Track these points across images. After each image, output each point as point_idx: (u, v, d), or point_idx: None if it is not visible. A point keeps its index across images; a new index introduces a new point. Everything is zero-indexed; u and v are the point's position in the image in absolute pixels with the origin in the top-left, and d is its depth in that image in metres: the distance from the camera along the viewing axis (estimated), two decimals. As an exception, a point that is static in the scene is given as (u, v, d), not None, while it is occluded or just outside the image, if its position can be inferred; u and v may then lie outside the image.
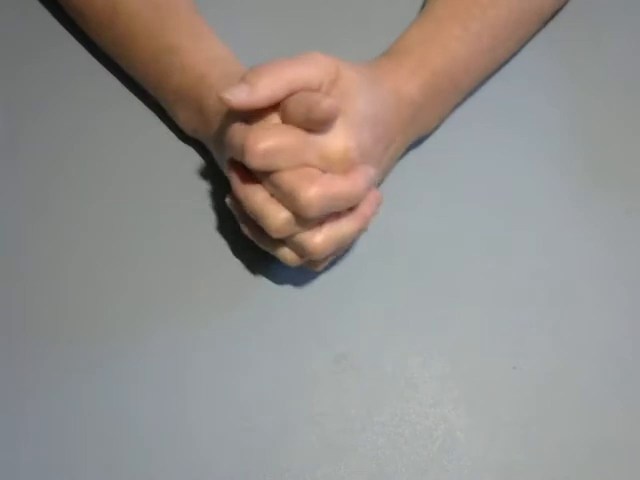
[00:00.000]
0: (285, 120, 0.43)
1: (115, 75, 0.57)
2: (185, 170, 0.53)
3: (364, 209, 0.45)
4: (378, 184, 0.51)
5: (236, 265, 0.49)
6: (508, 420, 0.46)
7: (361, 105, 0.44)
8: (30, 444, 0.45)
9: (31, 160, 0.54)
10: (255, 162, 0.42)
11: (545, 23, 0.59)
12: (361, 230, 0.46)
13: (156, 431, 0.45)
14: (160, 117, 0.55)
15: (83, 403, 0.46)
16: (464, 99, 0.55)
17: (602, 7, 0.60)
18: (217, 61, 0.50)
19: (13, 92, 0.56)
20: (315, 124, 0.42)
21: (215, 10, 0.58)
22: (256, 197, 0.44)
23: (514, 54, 0.57)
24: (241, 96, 0.42)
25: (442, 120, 0.54)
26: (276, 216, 0.43)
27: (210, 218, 0.52)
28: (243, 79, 0.42)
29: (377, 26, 0.59)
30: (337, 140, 0.43)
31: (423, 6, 0.57)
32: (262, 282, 0.49)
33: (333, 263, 0.49)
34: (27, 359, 0.47)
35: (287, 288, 0.49)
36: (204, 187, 0.53)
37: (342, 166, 0.43)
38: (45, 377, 0.47)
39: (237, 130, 0.43)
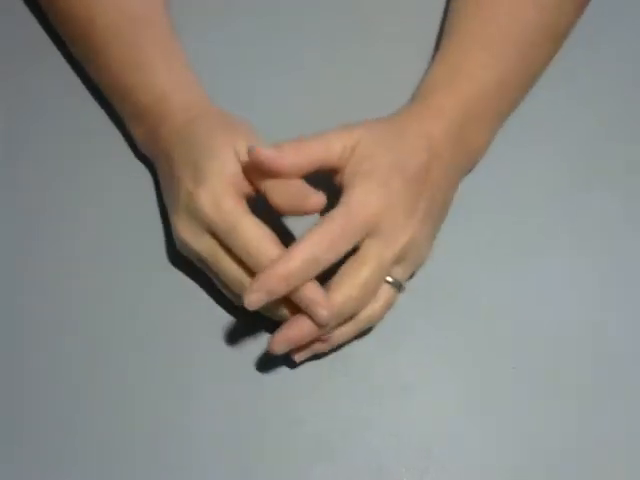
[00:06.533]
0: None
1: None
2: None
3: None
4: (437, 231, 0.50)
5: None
6: (508, 420, 0.46)
7: (383, 159, 0.45)
8: (30, 444, 0.45)
9: (31, 162, 0.54)
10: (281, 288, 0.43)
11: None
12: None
13: (156, 431, 0.46)
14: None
15: (83, 403, 0.46)
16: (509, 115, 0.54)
17: (605, 11, 0.60)
18: (182, 85, 0.51)
19: (13, 94, 0.56)
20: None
21: (211, 11, 0.58)
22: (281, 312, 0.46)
23: (548, 63, 0.56)
24: (270, 154, 0.43)
25: (489, 145, 0.53)
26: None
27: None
28: (274, 145, 0.44)
29: (377, 27, 0.59)
30: (359, 204, 0.44)
31: (445, 9, 0.57)
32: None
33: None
34: (26, 359, 0.48)
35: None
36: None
37: (367, 228, 0.44)
38: (45, 377, 0.47)
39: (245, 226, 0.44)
